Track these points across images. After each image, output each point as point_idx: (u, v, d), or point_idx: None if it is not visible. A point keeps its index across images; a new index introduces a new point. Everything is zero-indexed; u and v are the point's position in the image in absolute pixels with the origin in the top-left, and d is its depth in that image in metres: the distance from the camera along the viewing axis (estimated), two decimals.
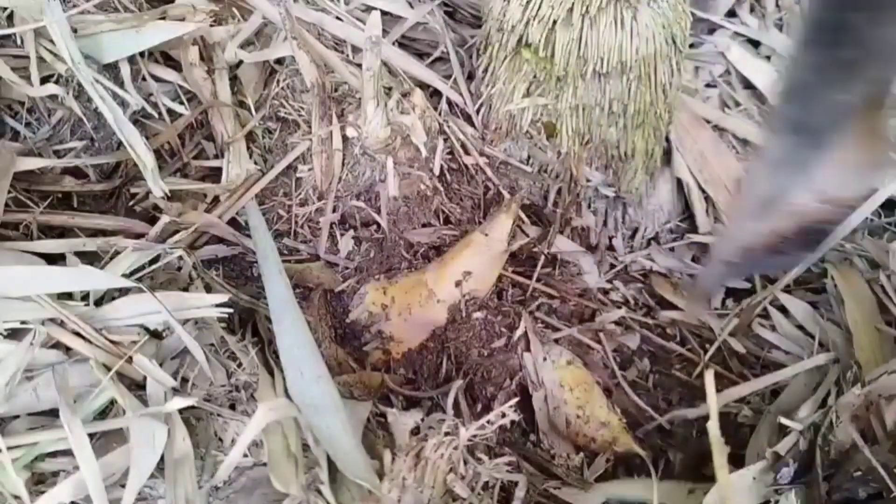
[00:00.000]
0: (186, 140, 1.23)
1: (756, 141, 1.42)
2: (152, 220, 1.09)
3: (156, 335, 0.85)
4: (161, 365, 0.85)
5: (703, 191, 1.35)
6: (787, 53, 1.52)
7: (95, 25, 1.09)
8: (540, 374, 1.09)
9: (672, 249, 1.36)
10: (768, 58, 1.53)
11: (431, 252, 1.22)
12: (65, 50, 1.01)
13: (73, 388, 0.75)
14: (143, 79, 1.17)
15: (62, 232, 1.05)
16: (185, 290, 0.96)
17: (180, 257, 0.96)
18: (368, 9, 1.30)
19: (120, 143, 1.09)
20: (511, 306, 1.18)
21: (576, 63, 1.04)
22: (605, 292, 1.30)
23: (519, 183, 1.26)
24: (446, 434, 0.80)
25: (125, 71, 1.12)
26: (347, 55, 1.29)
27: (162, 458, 0.76)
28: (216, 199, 1.17)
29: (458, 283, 1.14)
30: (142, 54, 1.16)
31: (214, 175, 1.22)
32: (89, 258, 0.92)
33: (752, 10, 1.59)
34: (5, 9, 1.06)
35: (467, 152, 1.26)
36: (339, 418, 0.78)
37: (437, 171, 1.20)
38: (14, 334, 0.77)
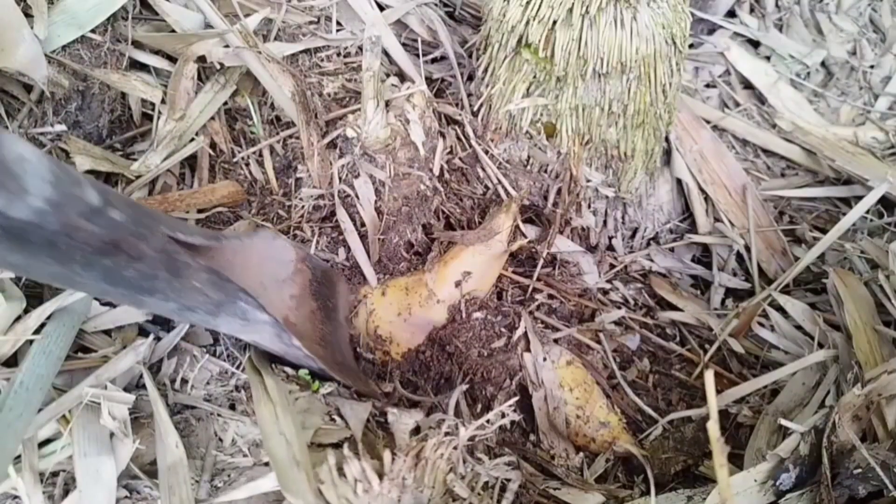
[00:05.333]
0: None
1: (756, 141, 1.43)
2: None
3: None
4: (159, 365, 0.85)
5: (703, 191, 1.35)
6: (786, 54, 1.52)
7: None
8: (540, 374, 1.09)
9: (672, 249, 1.37)
10: (768, 58, 1.54)
11: (431, 252, 1.22)
12: None
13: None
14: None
15: None
16: None
17: None
18: None
19: None
20: (511, 306, 1.18)
21: (576, 63, 1.04)
22: (605, 292, 1.30)
23: (519, 183, 1.26)
24: (446, 434, 0.79)
25: None
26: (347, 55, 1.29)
27: (155, 463, 0.76)
28: None
29: (458, 283, 1.14)
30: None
31: None
32: None
33: (751, 10, 1.59)
34: None
35: (467, 153, 1.26)
36: None
37: (436, 171, 1.20)
38: None
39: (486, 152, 1.25)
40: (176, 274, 0.60)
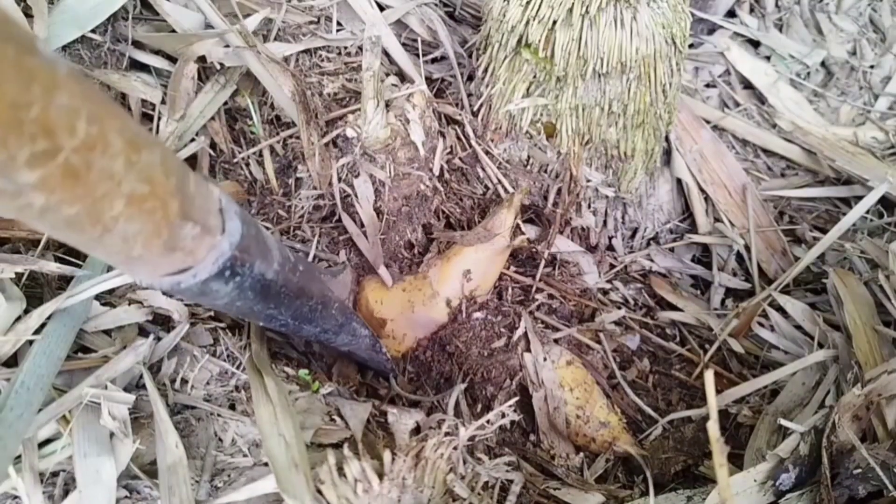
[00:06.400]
0: None
1: (756, 141, 1.43)
2: None
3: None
4: (159, 365, 0.85)
5: (703, 191, 1.35)
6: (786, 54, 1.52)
7: None
8: (540, 374, 1.09)
9: (672, 249, 1.37)
10: (768, 58, 1.54)
11: (428, 253, 1.22)
12: None
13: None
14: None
15: None
16: None
17: None
18: None
19: None
20: (511, 306, 1.18)
21: (576, 63, 1.04)
22: (605, 292, 1.30)
23: (519, 183, 1.26)
24: (446, 434, 0.79)
25: None
26: (348, 56, 1.29)
27: (155, 463, 0.76)
28: None
29: (460, 280, 1.14)
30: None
31: None
32: None
33: (751, 10, 1.59)
34: None
35: (467, 153, 1.26)
36: None
37: (436, 171, 1.20)
38: None
39: (486, 152, 1.25)
40: (325, 305, 0.82)
